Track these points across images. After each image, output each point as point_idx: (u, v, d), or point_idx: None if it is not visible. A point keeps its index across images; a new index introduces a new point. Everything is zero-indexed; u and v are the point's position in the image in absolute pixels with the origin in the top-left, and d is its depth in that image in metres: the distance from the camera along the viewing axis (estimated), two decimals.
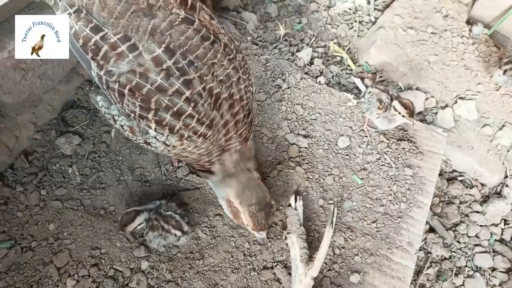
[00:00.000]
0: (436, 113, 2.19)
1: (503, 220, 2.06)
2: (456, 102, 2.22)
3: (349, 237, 1.67)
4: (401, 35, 2.36)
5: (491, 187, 2.16)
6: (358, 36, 2.49)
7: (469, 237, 2.00)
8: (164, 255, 1.57)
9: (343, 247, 1.65)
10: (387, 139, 1.94)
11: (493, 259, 1.94)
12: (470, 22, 2.57)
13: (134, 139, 1.38)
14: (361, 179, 1.82)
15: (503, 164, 2.14)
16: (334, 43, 2.43)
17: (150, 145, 1.34)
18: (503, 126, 2.19)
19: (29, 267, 1.52)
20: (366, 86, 2.16)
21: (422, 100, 2.20)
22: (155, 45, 1.17)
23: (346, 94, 2.06)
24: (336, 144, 1.90)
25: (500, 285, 1.89)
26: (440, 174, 2.08)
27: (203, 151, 1.37)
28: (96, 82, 1.30)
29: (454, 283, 1.88)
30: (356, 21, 2.55)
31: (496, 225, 2.05)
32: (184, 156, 1.40)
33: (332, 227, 1.50)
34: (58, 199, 1.67)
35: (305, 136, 1.91)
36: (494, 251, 1.98)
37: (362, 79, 2.25)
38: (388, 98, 1.81)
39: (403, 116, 1.77)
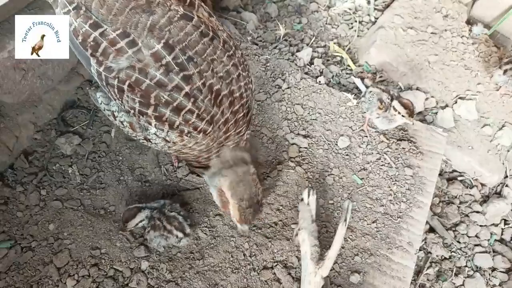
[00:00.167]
0: (436, 113, 2.19)
1: (503, 220, 2.06)
2: (456, 102, 2.22)
3: (349, 237, 1.67)
4: (401, 35, 2.36)
5: (491, 187, 2.16)
6: (358, 36, 2.49)
7: (469, 237, 2.00)
8: (164, 255, 1.57)
9: (343, 247, 1.65)
10: (387, 139, 1.94)
11: (493, 259, 1.94)
12: (470, 22, 2.57)
13: (134, 136, 1.37)
14: (361, 179, 1.82)
15: (503, 164, 2.14)
16: (334, 43, 2.43)
17: (150, 141, 1.33)
18: (503, 126, 2.19)
19: (29, 267, 1.52)
20: (366, 86, 2.16)
21: (422, 100, 2.20)
22: (154, 40, 1.17)
23: (346, 94, 2.07)
24: (336, 144, 1.90)
25: (500, 285, 1.89)
26: (440, 174, 2.08)
27: (204, 148, 1.37)
28: (95, 79, 1.29)
29: (454, 283, 1.88)
30: (356, 21, 2.55)
31: (496, 225, 2.05)
32: (184, 153, 1.40)
33: (345, 225, 1.46)
34: (58, 199, 1.67)
35: (305, 136, 1.91)
36: (494, 251, 1.98)
37: (362, 79, 2.25)
38: (388, 98, 1.81)
39: (403, 116, 1.77)
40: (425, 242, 1.93)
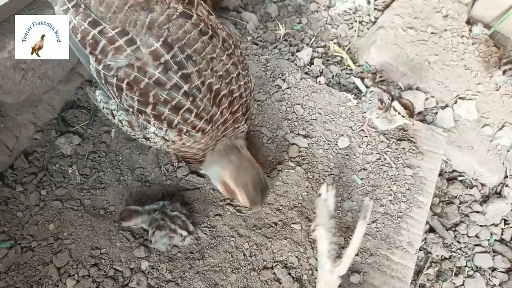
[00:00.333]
0: (436, 113, 2.19)
1: (503, 220, 2.06)
2: (456, 102, 2.22)
3: (349, 237, 1.67)
4: (401, 35, 2.36)
5: (491, 187, 2.16)
6: (358, 36, 2.49)
7: (469, 237, 2.00)
8: (164, 255, 1.57)
9: (343, 247, 1.64)
10: (387, 139, 1.94)
11: (493, 259, 1.94)
12: (470, 22, 2.57)
13: (133, 134, 1.37)
14: (361, 179, 1.82)
15: (503, 164, 2.14)
16: (334, 43, 2.43)
17: (149, 140, 1.33)
18: (503, 126, 2.19)
19: (29, 267, 1.52)
20: (367, 86, 2.16)
21: (422, 100, 2.20)
22: (153, 39, 1.17)
23: (346, 94, 2.06)
24: (336, 144, 1.90)
25: (500, 285, 1.89)
26: (440, 174, 2.08)
27: (202, 146, 1.37)
28: (94, 77, 1.29)
29: (454, 283, 1.88)
30: (356, 21, 2.55)
31: (496, 225, 2.05)
32: (183, 152, 1.40)
33: (365, 222, 1.39)
34: (58, 199, 1.67)
35: (305, 136, 1.91)
36: (494, 251, 1.98)
37: (362, 79, 2.25)
38: (389, 99, 1.81)
39: (402, 116, 1.77)
40: (425, 242, 1.93)
